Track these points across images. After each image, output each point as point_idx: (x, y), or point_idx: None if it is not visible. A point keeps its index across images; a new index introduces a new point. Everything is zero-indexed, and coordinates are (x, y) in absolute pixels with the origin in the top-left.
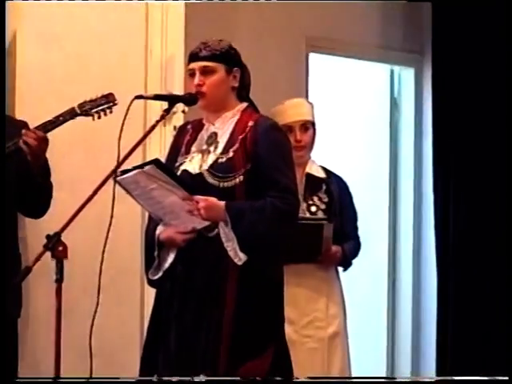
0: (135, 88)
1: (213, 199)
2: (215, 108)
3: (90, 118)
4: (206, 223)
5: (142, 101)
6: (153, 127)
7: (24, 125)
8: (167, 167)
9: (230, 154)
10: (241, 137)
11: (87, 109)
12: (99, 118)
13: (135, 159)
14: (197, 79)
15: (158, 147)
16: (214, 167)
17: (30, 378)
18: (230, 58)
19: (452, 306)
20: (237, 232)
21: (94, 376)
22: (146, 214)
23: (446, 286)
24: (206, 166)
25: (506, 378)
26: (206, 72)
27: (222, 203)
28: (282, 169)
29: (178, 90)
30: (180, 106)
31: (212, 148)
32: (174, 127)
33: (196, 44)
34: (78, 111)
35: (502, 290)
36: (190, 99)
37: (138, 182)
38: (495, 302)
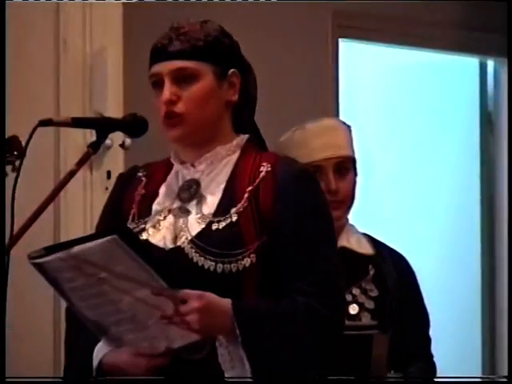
0: (40, 107)
1: (212, 296)
2: (200, 140)
3: None
4: (194, 338)
5: (51, 130)
6: (71, 174)
7: None
8: (138, 241)
9: (233, 218)
10: (249, 189)
11: None
12: None
13: (43, 228)
14: (167, 92)
15: (82, 206)
16: (206, 238)
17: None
18: (222, 52)
19: None
20: (251, 354)
21: None
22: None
23: None
24: (188, 236)
25: (506, 378)
26: (182, 78)
27: (228, 303)
28: (321, 246)
29: (114, 110)
30: (117, 138)
31: (193, 205)
32: (108, 173)
33: (151, 29)
34: None
35: None
36: (134, 125)
37: (78, 266)
38: None
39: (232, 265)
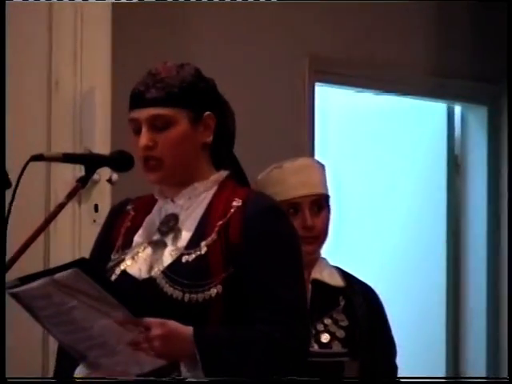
0: (32, 143)
1: (173, 324)
2: (178, 180)
3: None
4: (161, 363)
5: (42, 164)
6: (60, 207)
7: None
8: (100, 272)
9: (203, 251)
10: (220, 223)
11: None
12: None
13: (34, 257)
14: (144, 138)
15: (70, 237)
16: (176, 269)
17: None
18: (197, 97)
19: None
20: (211, 377)
21: None
22: (53, 347)
23: None
24: (160, 267)
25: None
26: (158, 124)
27: (189, 330)
28: (286, 278)
29: (102, 147)
30: (105, 173)
31: (170, 238)
32: (96, 206)
33: (136, 72)
34: None
35: None
36: (120, 161)
37: (49, 295)
38: None
39: (199, 295)
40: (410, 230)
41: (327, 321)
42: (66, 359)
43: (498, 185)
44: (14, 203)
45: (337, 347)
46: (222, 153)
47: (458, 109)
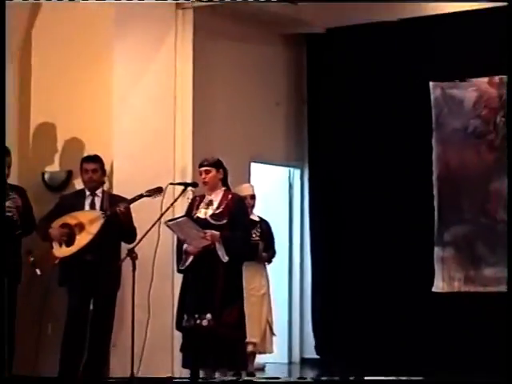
0: (169, 180)
1: (214, 232)
2: (212, 189)
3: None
4: (209, 242)
5: (170, 187)
6: (177, 198)
7: (122, 199)
8: (192, 219)
9: (221, 210)
10: (225, 202)
11: (149, 193)
12: (155, 197)
13: (168, 213)
14: (203, 175)
15: (181, 208)
16: (213, 215)
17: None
18: (218, 164)
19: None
20: (225, 247)
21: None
22: (175, 238)
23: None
24: (208, 215)
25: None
26: (207, 172)
27: (218, 233)
28: (245, 220)
29: (188, 180)
30: (190, 188)
31: (210, 207)
32: (188, 198)
33: (199, 159)
34: (144, 194)
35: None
36: (194, 185)
37: (178, 225)
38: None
39: (219, 222)
40: (275, 213)
41: (255, 230)
42: (181, 242)
43: (303, 203)
44: (157, 199)
45: (257, 238)
46: (224, 181)
47: (292, 171)
